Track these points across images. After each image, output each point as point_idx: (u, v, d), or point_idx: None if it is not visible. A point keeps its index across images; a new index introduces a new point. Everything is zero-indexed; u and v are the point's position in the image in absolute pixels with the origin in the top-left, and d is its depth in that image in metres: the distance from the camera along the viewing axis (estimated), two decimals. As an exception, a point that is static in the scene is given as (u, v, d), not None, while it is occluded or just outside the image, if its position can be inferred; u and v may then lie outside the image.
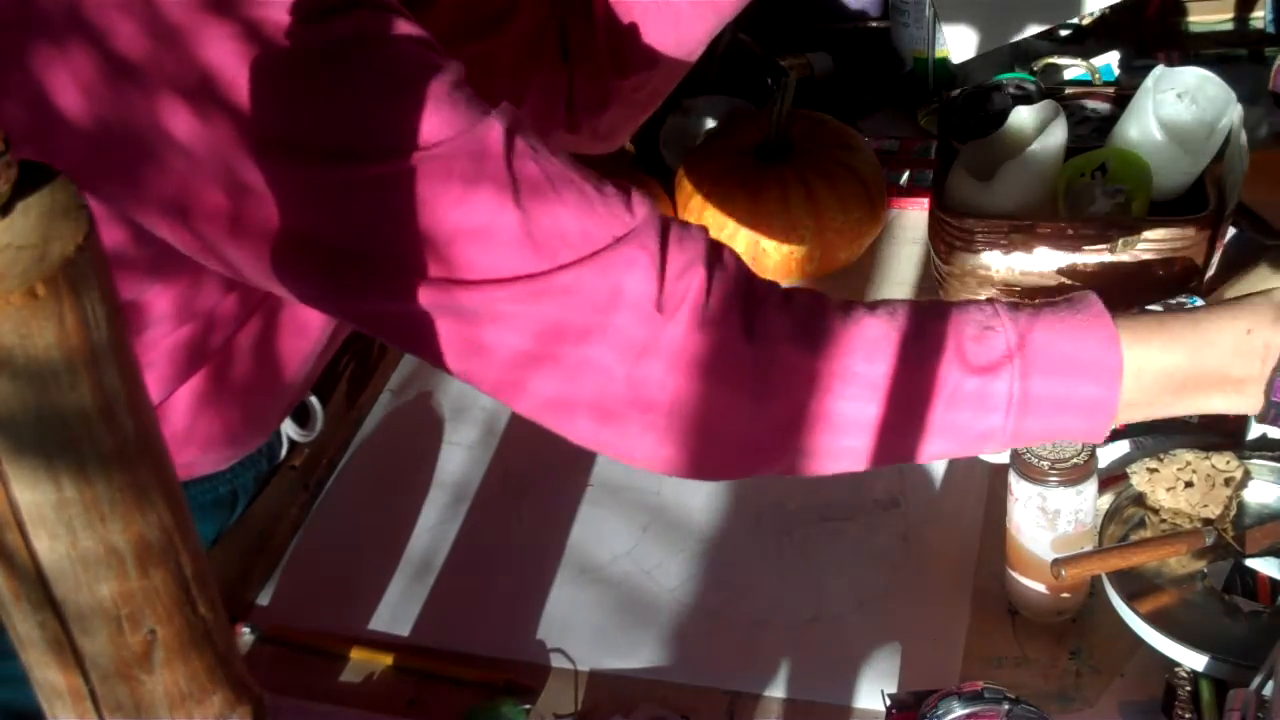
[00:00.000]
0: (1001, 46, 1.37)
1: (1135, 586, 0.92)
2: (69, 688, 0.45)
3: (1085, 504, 0.90)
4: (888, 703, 0.87)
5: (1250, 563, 0.91)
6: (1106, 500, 0.97)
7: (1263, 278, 1.10)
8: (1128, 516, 0.97)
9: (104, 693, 0.46)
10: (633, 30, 0.97)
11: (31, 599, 0.43)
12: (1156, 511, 0.96)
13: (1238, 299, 0.79)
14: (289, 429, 1.12)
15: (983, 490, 1.05)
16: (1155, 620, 0.88)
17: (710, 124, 1.45)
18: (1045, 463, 0.88)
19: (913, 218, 1.37)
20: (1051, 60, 1.46)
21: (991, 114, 1.24)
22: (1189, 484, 0.95)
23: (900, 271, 1.32)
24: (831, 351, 0.73)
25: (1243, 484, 0.96)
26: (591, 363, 0.71)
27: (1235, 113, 1.13)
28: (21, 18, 0.68)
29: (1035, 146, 1.12)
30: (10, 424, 0.39)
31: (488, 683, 0.96)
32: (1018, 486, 0.90)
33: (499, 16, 0.99)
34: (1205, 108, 1.16)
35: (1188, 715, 0.84)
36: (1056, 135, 1.12)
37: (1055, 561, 0.89)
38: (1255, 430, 0.98)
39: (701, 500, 1.09)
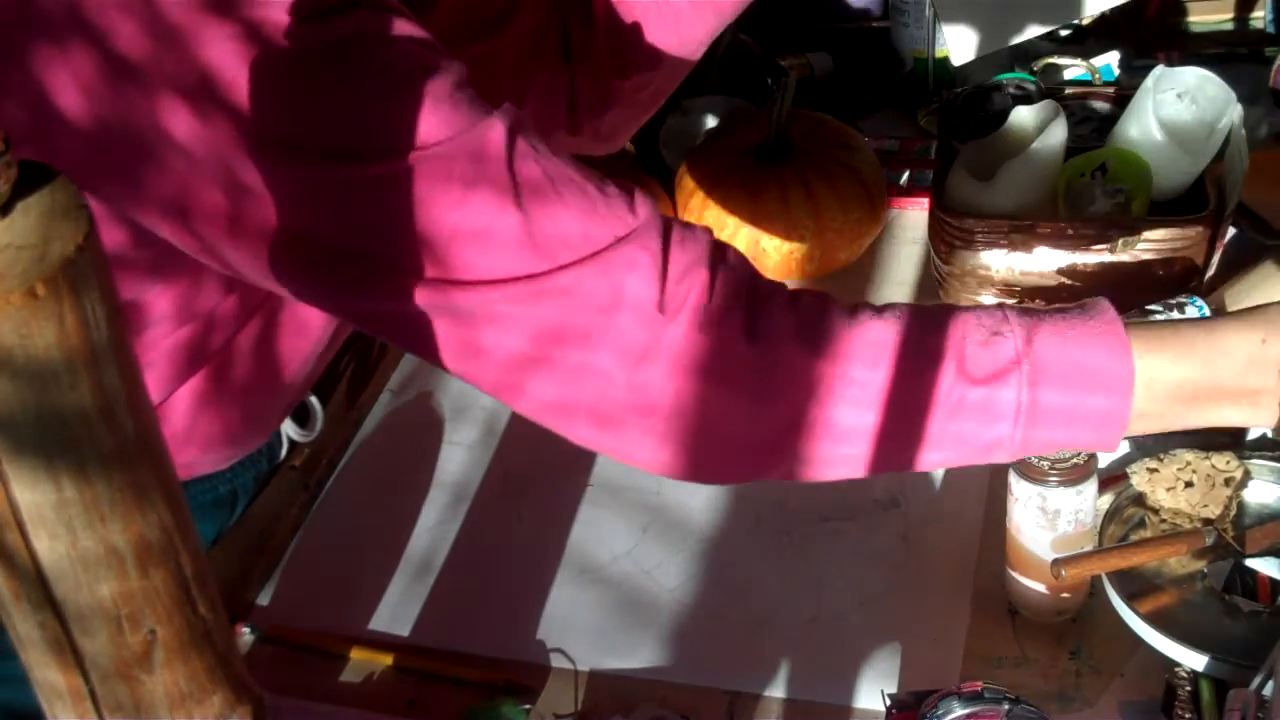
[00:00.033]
0: (1001, 47, 1.37)
1: (1135, 586, 0.92)
2: (69, 688, 0.45)
3: (1085, 504, 0.90)
4: (888, 703, 0.87)
5: (1250, 563, 0.91)
6: (1106, 500, 0.97)
7: (1263, 278, 1.10)
8: (1128, 516, 0.97)
9: (104, 693, 0.46)
10: (634, 31, 0.97)
11: (31, 599, 0.43)
12: (1156, 511, 0.96)
13: (1254, 309, 0.77)
14: (289, 429, 1.12)
15: (983, 490, 1.05)
16: (1155, 620, 0.88)
17: (710, 124, 1.45)
18: (1045, 463, 0.88)
19: (913, 218, 1.37)
20: (1051, 60, 1.46)
21: (991, 114, 1.24)
22: (1189, 484, 0.95)
23: (900, 271, 1.32)
24: (833, 355, 0.73)
25: (1243, 484, 0.96)
26: (591, 365, 0.71)
27: (1235, 113, 1.13)
28: (22, 18, 0.68)
29: (1035, 146, 1.12)
30: (10, 424, 0.39)
31: (488, 683, 0.96)
32: (1018, 486, 0.90)
33: (500, 17, 0.99)
34: (1205, 108, 1.16)
35: (1188, 715, 0.84)
36: (1056, 135, 1.12)
37: (1055, 561, 0.89)
38: (1255, 430, 0.98)
39: (701, 500, 1.09)
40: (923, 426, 0.74)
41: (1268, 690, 0.77)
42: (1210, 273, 1.12)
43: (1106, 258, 1.10)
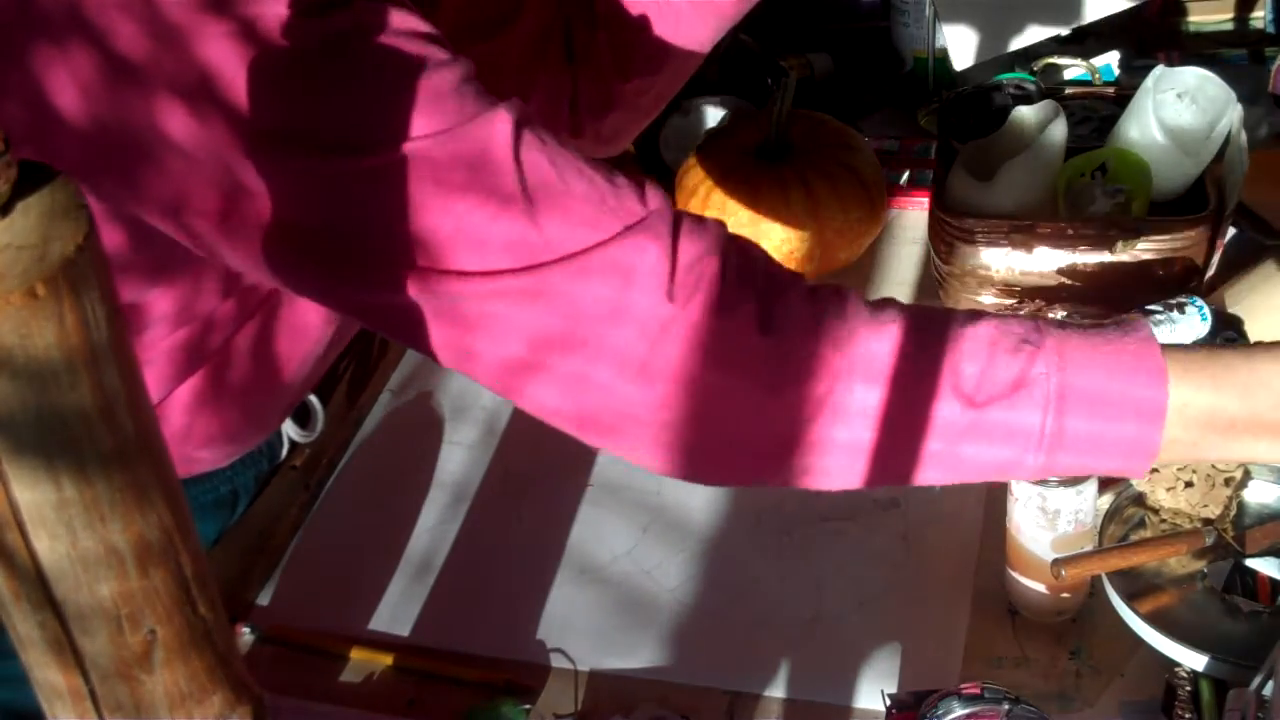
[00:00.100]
0: (1002, 53, 1.37)
1: (1135, 586, 0.92)
2: (69, 688, 0.45)
3: (1085, 504, 0.90)
4: (888, 703, 0.87)
5: (1250, 563, 0.91)
6: (1106, 500, 0.97)
7: (1263, 278, 1.10)
8: (1128, 516, 0.97)
9: (104, 693, 0.46)
10: (636, 34, 0.97)
11: (31, 599, 0.43)
12: (1156, 511, 0.96)
13: None
14: (290, 429, 1.12)
15: (983, 490, 1.05)
16: (1155, 620, 0.88)
17: (711, 124, 1.45)
18: (1045, 463, 0.88)
19: (913, 218, 1.37)
20: (1051, 60, 1.46)
21: (991, 114, 1.24)
22: (1189, 484, 0.95)
23: (900, 271, 1.32)
24: (850, 352, 0.71)
25: (1243, 484, 0.96)
26: (602, 351, 0.70)
27: (1235, 113, 1.13)
28: (21, 17, 0.68)
29: (1035, 146, 1.12)
30: (10, 424, 0.39)
31: (488, 683, 0.96)
32: (1018, 486, 0.90)
33: (503, 18, 0.99)
34: (1205, 108, 1.16)
35: (1188, 715, 0.84)
36: (1056, 135, 1.12)
37: (1055, 561, 0.89)
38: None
39: (701, 500, 1.09)
40: (924, 441, 0.71)
41: (1268, 690, 0.77)
42: (1210, 273, 1.12)
43: (1106, 258, 1.10)
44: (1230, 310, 1.09)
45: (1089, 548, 0.92)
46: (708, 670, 0.96)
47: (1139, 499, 0.97)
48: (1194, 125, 1.16)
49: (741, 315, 0.71)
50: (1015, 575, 0.94)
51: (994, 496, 1.03)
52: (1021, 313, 1.14)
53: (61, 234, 0.38)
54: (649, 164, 1.40)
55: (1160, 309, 1.04)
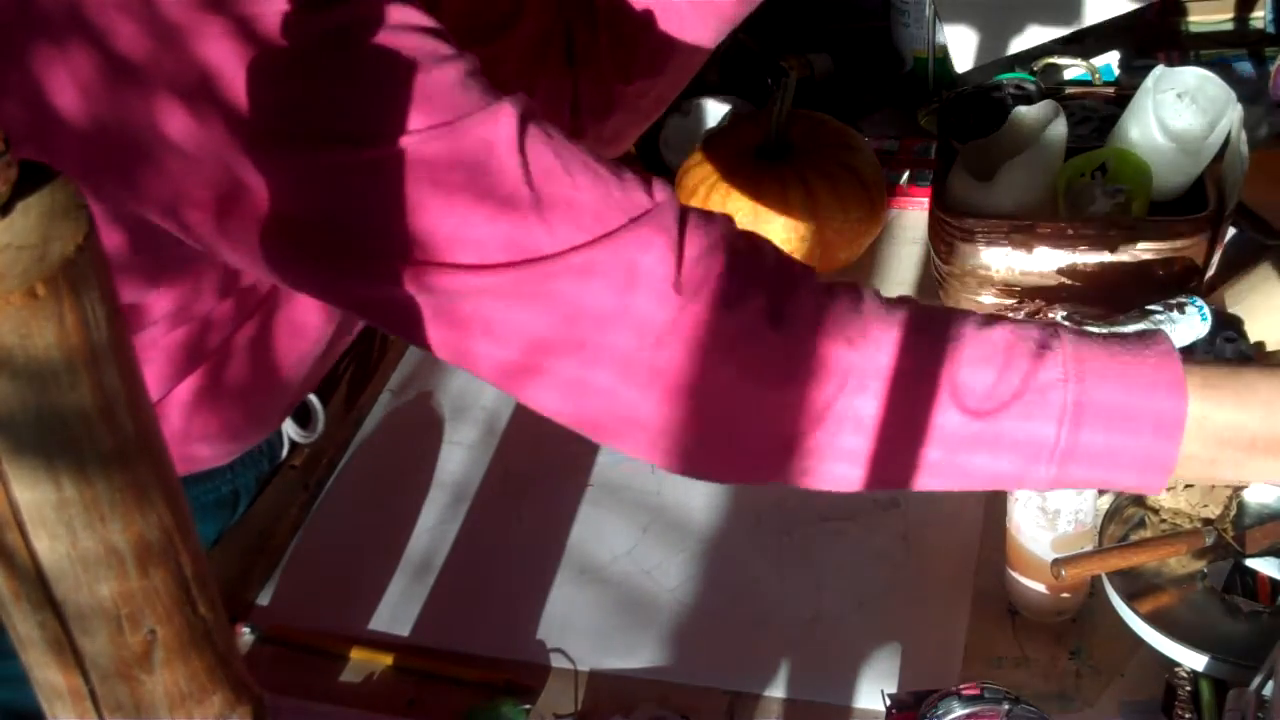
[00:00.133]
0: (1003, 56, 1.36)
1: (1135, 586, 0.92)
2: (69, 688, 0.45)
3: (1085, 504, 0.90)
4: (888, 703, 0.87)
5: (1250, 563, 0.91)
6: (1106, 500, 0.97)
7: (1263, 278, 1.10)
8: (1128, 516, 0.97)
9: (104, 693, 0.46)
10: (637, 36, 0.97)
11: (31, 599, 0.43)
12: (1156, 511, 0.96)
13: None
14: (290, 430, 1.12)
15: (983, 491, 1.05)
16: (1155, 620, 0.88)
17: (711, 124, 1.45)
18: (1045, 463, 0.88)
19: (913, 218, 1.37)
20: (1051, 60, 1.46)
21: (991, 114, 1.24)
22: (1189, 484, 0.95)
23: (900, 271, 1.32)
24: (862, 351, 0.70)
25: (1243, 484, 0.96)
26: (607, 348, 0.69)
27: (1235, 113, 1.13)
28: (22, 17, 0.68)
29: (1035, 146, 1.12)
30: (10, 424, 0.39)
31: (488, 683, 0.96)
32: (1018, 486, 0.90)
33: (504, 21, 0.99)
34: (1205, 108, 1.16)
35: (1188, 715, 0.84)
36: (1056, 135, 1.12)
37: (1055, 561, 0.89)
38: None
39: (701, 500, 1.09)
40: (925, 448, 0.71)
41: (1268, 690, 0.77)
42: (1210, 273, 1.12)
43: (1106, 258, 1.10)
44: (1230, 310, 1.09)
45: (1089, 548, 0.92)
46: (708, 670, 0.96)
47: (1139, 499, 0.97)
48: (1194, 125, 1.16)
49: (750, 309, 0.70)
50: (1015, 575, 0.94)
51: (994, 496, 1.03)
52: (1022, 313, 1.14)
53: (61, 234, 0.38)
54: (649, 164, 1.40)
55: (1160, 309, 1.04)
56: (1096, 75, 1.44)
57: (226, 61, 0.66)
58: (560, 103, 1.02)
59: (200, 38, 0.66)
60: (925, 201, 1.23)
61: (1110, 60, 1.48)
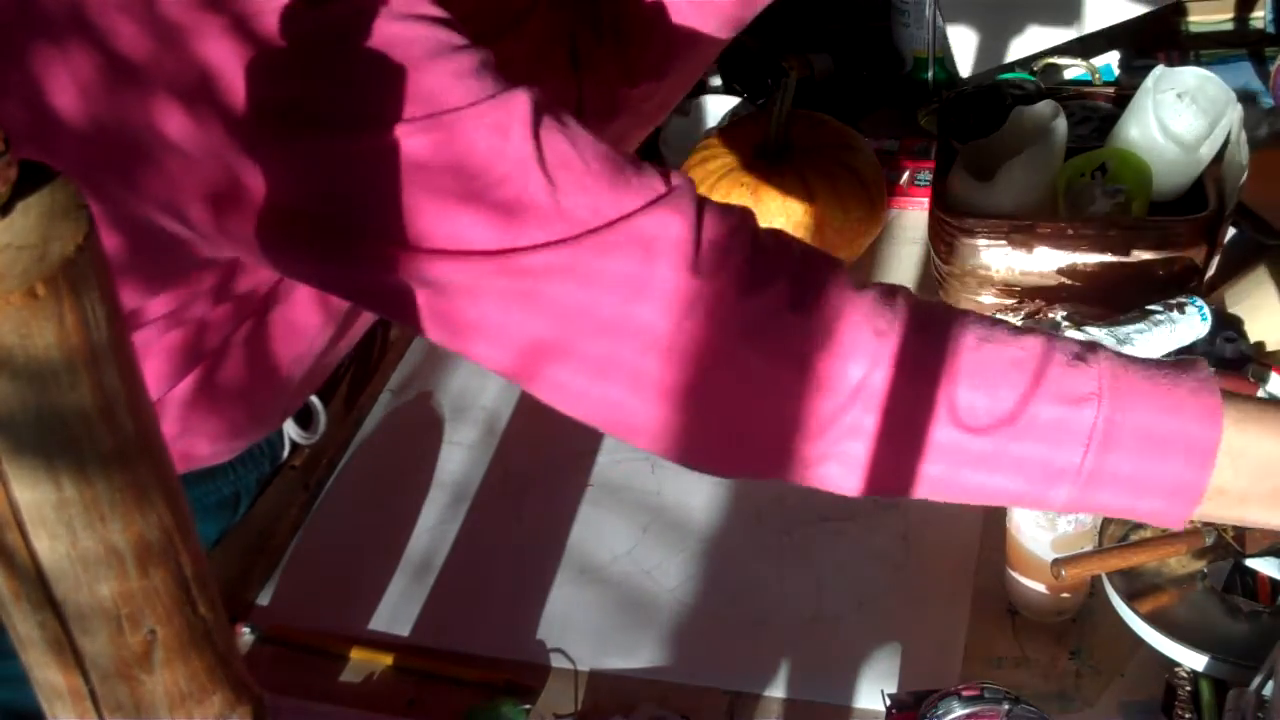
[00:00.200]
0: (1008, 61, 1.35)
1: (1135, 586, 0.92)
2: (69, 688, 0.45)
3: (1085, 504, 0.90)
4: (888, 703, 0.87)
5: (1250, 563, 0.91)
6: (1106, 500, 0.96)
7: (1263, 278, 1.10)
8: (1128, 516, 0.97)
9: (104, 693, 0.46)
10: (642, 40, 0.97)
11: (31, 599, 0.43)
12: (1156, 511, 0.96)
13: None
14: (291, 430, 1.12)
15: (983, 490, 1.05)
16: (1155, 620, 0.88)
17: (711, 124, 1.45)
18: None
19: (913, 218, 1.37)
20: (1051, 60, 1.46)
21: (991, 114, 1.24)
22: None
23: (900, 271, 1.32)
24: (889, 345, 0.68)
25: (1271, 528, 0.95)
26: (627, 326, 0.68)
27: (1235, 113, 1.13)
28: (22, 17, 0.68)
29: (1035, 146, 1.12)
30: (10, 424, 0.39)
31: (488, 683, 0.96)
32: (1018, 486, 0.90)
33: (509, 25, 0.98)
34: (1205, 108, 1.16)
35: (1188, 715, 0.84)
36: (1056, 135, 1.12)
37: (1055, 561, 0.89)
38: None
39: (701, 500, 1.09)
40: (923, 460, 0.70)
41: (1268, 690, 0.77)
42: (1210, 273, 1.12)
43: (1106, 258, 1.10)
44: (1230, 310, 1.09)
45: (1089, 548, 0.92)
46: (708, 670, 0.96)
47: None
48: (1194, 125, 1.16)
49: (771, 294, 0.69)
50: (1015, 575, 0.94)
51: (994, 496, 1.03)
52: (1022, 313, 1.14)
53: (61, 234, 0.38)
54: (649, 164, 1.40)
55: (1160, 309, 1.04)
56: (1096, 75, 1.44)
57: (226, 59, 0.66)
58: (565, 106, 1.02)
59: (200, 36, 0.66)
60: (925, 201, 1.23)
61: (1110, 60, 1.48)
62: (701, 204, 0.70)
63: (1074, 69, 1.46)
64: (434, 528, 1.10)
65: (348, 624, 1.03)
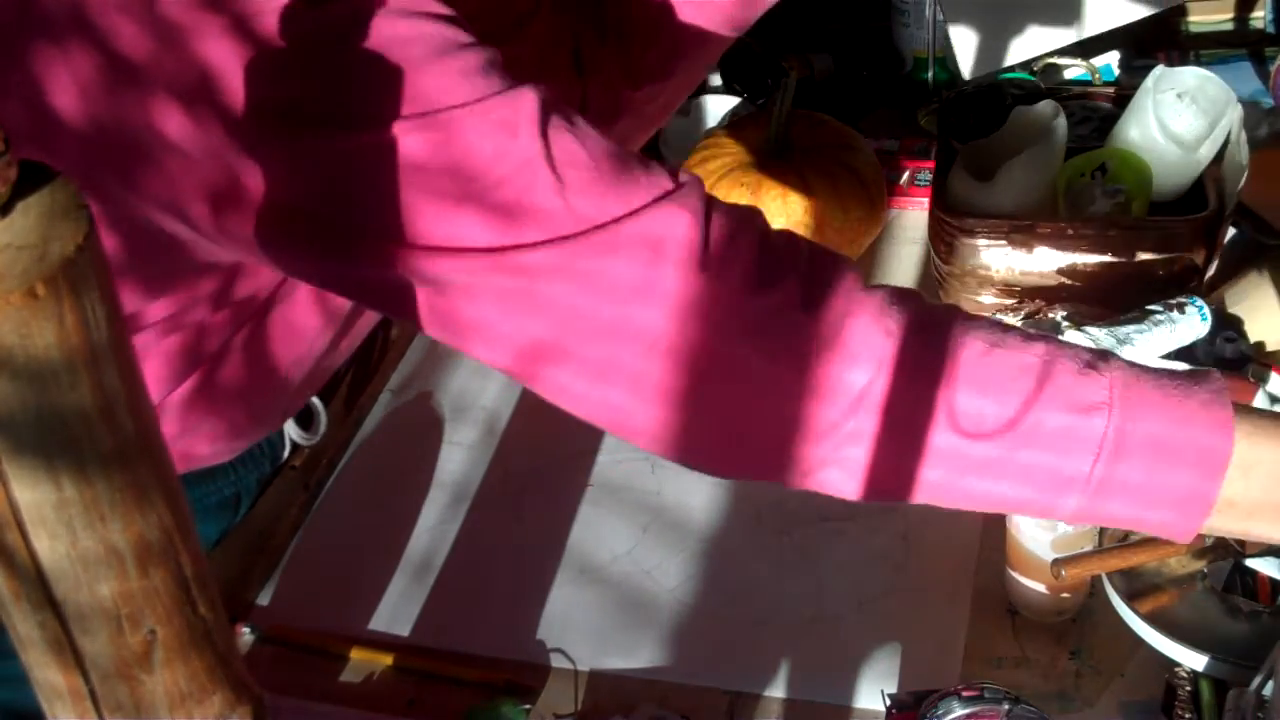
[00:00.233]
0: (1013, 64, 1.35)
1: (1135, 586, 0.92)
2: (69, 688, 0.45)
3: (1085, 504, 0.90)
4: (888, 703, 0.87)
5: (1250, 563, 0.91)
6: (1106, 500, 0.96)
7: (1263, 278, 1.10)
8: (1128, 516, 0.97)
9: (104, 693, 0.46)
10: (645, 43, 0.97)
11: (31, 599, 0.43)
12: (1156, 511, 0.96)
13: None
14: (293, 432, 1.12)
15: (983, 490, 1.05)
16: (1155, 620, 0.88)
17: (711, 124, 1.45)
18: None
19: (913, 218, 1.37)
20: (1051, 60, 1.46)
21: (991, 114, 1.24)
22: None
23: (900, 271, 1.32)
24: (898, 347, 0.68)
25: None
26: (632, 325, 0.67)
27: (1235, 113, 1.13)
28: (23, 18, 0.68)
29: (1035, 146, 1.12)
30: (10, 424, 0.39)
31: (488, 683, 0.96)
32: (1018, 486, 0.90)
33: (513, 27, 0.98)
34: (1205, 108, 1.16)
35: (1188, 715, 0.84)
36: (1056, 135, 1.12)
37: (1055, 561, 0.89)
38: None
39: (701, 500, 1.09)
40: (923, 467, 0.69)
41: (1268, 690, 0.77)
42: (1210, 273, 1.12)
43: (1106, 258, 1.10)
44: (1230, 310, 1.09)
45: (1089, 548, 0.92)
46: (708, 670, 0.96)
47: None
48: (1194, 125, 1.16)
49: (781, 291, 0.68)
50: (1015, 575, 0.94)
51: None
52: (1022, 313, 1.14)
53: (61, 234, 0.38)
54: (649, 164, 1.40)
55: (1160, 309, 1.04)
56: (1096, 75, 1.44)
57: (226, 59, 0.66)
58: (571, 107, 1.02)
59: (200, 36, 0.66)
60: (925, 201, 1.23)
61: (1110, 60, 1.48)
62: (710, 202, 0.70)
63: (1074, 69, 1.46)
64: (434, 528, 1.10)
65: (348, 624, 1.03)
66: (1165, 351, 1.02)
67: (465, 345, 0.71)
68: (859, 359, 0.68)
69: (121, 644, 0.45)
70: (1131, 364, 0.70)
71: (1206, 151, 1.14)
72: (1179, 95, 1.17)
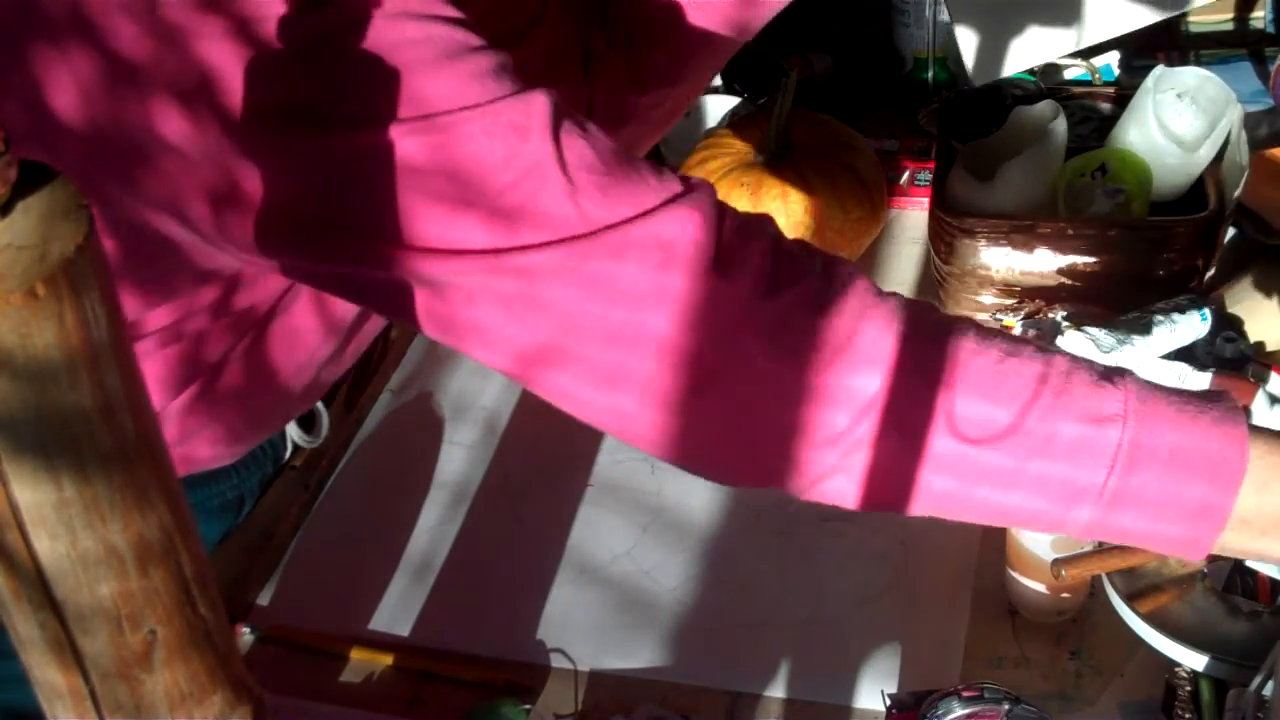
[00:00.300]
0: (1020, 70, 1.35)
1: (1135, 586, 0.92)
2: (69, 688, 0.45)
3: (1085, 504, 0.90)
4: (888, 703, 0.87)
5: (1250, 563, 0.91)
6: (1106, 500, 0.96)
7: (1263, 278, 1.10)
8: (1128, 516, 0.97)
9: (104, 693, 0.46)
10: (653, 48, 0.97)
11: (31, 599, 0.43)
12: (1156, 511, 0.96)
13: None
14: (294, 434, 1.12)
15: (983, 490, 1.05)
16: (1155, 620, 0.88)
17: (711, 124, 1.45)
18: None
19: (913, 218, 1.37)
20: (1052, 60, 1.46)
21: (991, 114, 1.24)
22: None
23: (900, 271, 1.32)
24: (914, 352, 0.67)
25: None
26: (642, 329, 0.67)
27: (1235, 113, 1.13)
28: (24, 18, 0.68)
29: (1035, 146, 1.12)
30: (10, 424, 0.39)
31: (488, 683, 0.96)
32: (1018, 486, 0.90)
33: (521, 32, 0.98)
34: (1205, 108, 1.16)
35: (1188, 715, 0.84)
36: (1056, 135, 1.12)
37: (1055, 561, 0.89)
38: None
39: (701, 500, 1.09)
40: (924, 472, 0.68)
41: (1268, 690, 0.77)
42: (1210, 273, 1.12)
43: (1106, 258, 1.10)
44: (1230, 310, 1.09)
45: (1089, 548, 0.92)
46: (708, 670, 0.96)
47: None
48: (1194, 125, 1.16)
49: (793, 296, 0.68)
50: (1015, 575, 0.94)
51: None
52: (1022, 313, 1.14)
53: (61, 234, 0.38)
54: (649, 164, 1.40)
55: (1160, 309, 1.04)
56: (1096, 75, 1.44)
57: (227, 61, 0.66)
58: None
59: (201, 38, 0.66)
60: (925, 201, 1.23)
61: (1110, 60, 1.48)
62: (722, 206, 0.70)
63: (1074, 69, 1.46)
64: (434, 528, 1.10)
65: (348, 624, 1.03)
66: (1165, 351, 1.02)
67: (464, 347, 0.71)
68: (870, 364, 0.67)
69: (122, 644, 0.45)
70: (1145, 380, 0.70)
71: (1206, 152, 1.14)
72: (1179, 95, 1.17)
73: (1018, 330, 1.12)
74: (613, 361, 0.68)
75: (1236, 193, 1.09)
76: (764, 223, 0.71)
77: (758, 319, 0.68)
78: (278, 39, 0.66)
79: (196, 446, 0.97)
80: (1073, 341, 1.00)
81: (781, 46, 1.53)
